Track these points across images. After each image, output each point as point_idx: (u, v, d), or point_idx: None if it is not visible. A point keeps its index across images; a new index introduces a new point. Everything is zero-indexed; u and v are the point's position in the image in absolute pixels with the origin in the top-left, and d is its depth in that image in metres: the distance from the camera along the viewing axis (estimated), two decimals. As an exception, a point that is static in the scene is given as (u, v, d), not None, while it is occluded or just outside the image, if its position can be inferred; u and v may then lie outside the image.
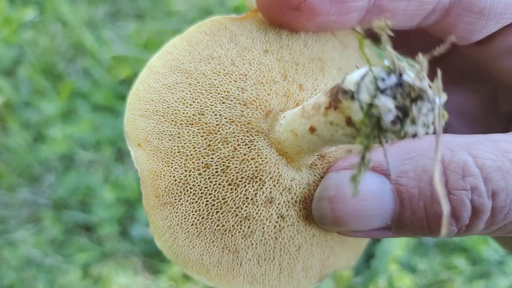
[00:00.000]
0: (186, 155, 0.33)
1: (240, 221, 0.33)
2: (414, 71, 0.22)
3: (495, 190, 0.27)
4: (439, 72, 0.22)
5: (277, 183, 0.33)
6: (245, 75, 0.34)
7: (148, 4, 1.93)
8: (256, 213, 0.33)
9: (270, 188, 0.33)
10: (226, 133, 0.33)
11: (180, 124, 0.33)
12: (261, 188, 0.33)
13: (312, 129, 0.28)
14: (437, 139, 0.22)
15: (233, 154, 0.33)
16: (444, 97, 0.23)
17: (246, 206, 0.33)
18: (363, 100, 0.22)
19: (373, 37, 0.25)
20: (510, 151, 0.28)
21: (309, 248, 0.36)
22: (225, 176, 0.33)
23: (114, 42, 1.75)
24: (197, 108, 0.33)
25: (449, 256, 1.37)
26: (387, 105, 0.21)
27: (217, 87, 0.33)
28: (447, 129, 0.45)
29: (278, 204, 0.34)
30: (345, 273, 1.27)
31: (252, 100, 0.33)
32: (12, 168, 1.45)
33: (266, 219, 0.34)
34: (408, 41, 0.42)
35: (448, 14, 0.33)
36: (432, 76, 0.22)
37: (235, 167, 0.33)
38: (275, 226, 0.34)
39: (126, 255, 1.32)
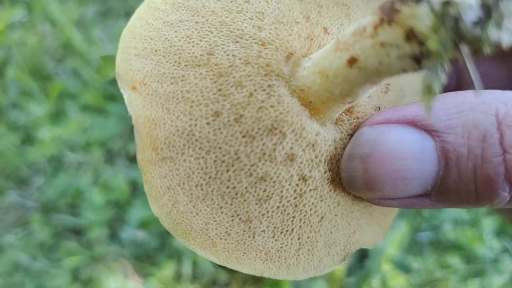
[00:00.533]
0: (192, 100, 0.27)
1: (255, 183, 0.28)
2: None
3: None
4: None
5: (299, 137, 0.28)
6: (262, 13, 0.29)
7: (139, 2, 1.91)
8: (274, 173, 0.28)
9: (292, 143, 0.28)
10: (241, 76, 0.28)
11: (185, 65, 0.28)
12: (281, 143, 0.27)
13: (352, 61, 0.23)
14: None
15: (248, 101, 0.27)
16: None
17: (262, 164, 0.28)
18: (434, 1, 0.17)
19: None
20: None
21: (333, 220, 0.31)
22: (239, 127, 0.27)
23: (104, 41, 1.72)
24: (205, 47, 0.28)
25: (444, 254, 1.35)
26: (468, 2, 0.17)
27: (229, 25, 0.29)
28: None
29: (300, 163, 0.28)
30: (337, 273, 1.26)
31: (271, 40, 0.28)
32: (-1, 171, 1.43)
33: (286, 180, 0.28)
34: None
35: None
36: None
37: (251, 116, 0.27)
38: (295, 190, 0.29)
39: (116, 258, 1.30)
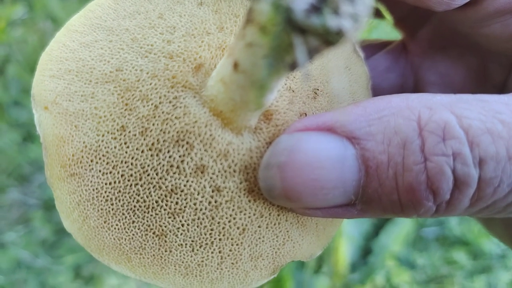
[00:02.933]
0: (100, 117, 0.28)
1: (165, 196, 0.28)
2: None
3: (484, 157, 0.22)
4: None
5: (209, 147, 0.27)
6: (174, 27, 0.29)
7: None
8: (185, 185, 0.27)
9: (201, 154, 0.27)
10: (147, 89, 0.28)
11: (95, 82, 0.28)
12: (189, 154, 0.27)
13: (235, 65, 0.22)
14: (355, 37, 0.17)
15: (153, 113, 0.27)
16: None
17: (171, 177, 0.27)
18: None
19: None
20: (503, 112, 0.22)
21: (257, 231, 0.30)
22: (144, 140, 0.27)
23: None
24: (115, 64, 0.29)
25: (449, 250, 1.33)
26: None
27: (140, 41, 0.29)
28: None
29: (212, 174, 0.27)
30: (341, 270, 1.24)
31: (180, 53, 0.29)
32: (1, 168, 1.44)
33: (198, 192, 0.28)
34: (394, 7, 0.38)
35: None
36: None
37: (156, 128, 0.27)
38: (210, 202, 0.28)
39: (117, 255, 1.30)
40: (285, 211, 0.31)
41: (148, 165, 0.27)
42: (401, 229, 1.33)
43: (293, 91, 0.30)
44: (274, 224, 0.30)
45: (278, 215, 0.30)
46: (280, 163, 0.25)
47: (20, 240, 1.32)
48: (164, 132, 0.27)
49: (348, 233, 1.31)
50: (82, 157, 0.28)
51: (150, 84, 0.28)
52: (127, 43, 0.29)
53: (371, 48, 0.39)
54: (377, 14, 0.39)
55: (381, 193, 0.23)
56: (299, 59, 0.17)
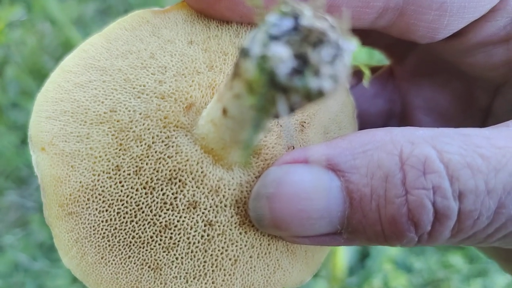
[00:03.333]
0: (95, 157, 0.29)
1: (160, 231, 0.29)
2: (312, 12, 0.18)
3: (463, 191, 0.23)
4: (345, 11, 0.18)
5: (200, 184, 0.29)
6: (165, 67, 0.31)
7: (138, 0, 1.90)
8: (178, 221, 0.29)
9: (193, 191, 0.29)
10: (140, 129, 0.29)
11: (90, 123, 0.29)
12: (181, 191, 0.29)
13: (224, 111, 0.24)
14: (337, 89, 0.18)
15: (147, 153, 0.29)
16: (352, 41, 0.18)
17: (164, 213, 0.29)
18: (254, 53, 0.18)
19: None
20: (483, 146, 0.23)
21: (248, 262, 0.31)
22: (138, 179, 0.29)
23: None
24: (109, 105, 0.30)
25: (446, 254, 1.34)
26: (279, 54, 0.17)
27: (133, 81, 0.30)
28: (413, 124, 0.41)
29: (204, 209, 0.29)
30: (339, 273, 1.25)
31: (171, 93, 0.30)
32: (-1, 171, 1.43)
33: (191, 227, 0.29)
34: (374, 37, 0.39)
35: (404, 13, 0.29)
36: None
37: (150, 168, 0.29)
38: (202, 236, 0.29)
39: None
40: (275, 240, 0.32)
41: (143, 203, 0.29)
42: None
43: (281, 125, 0.31)
44: (265, 254, 0.32)
45: (269, 245, 0.32)
46: (268, 194, 0.26)
47: (17, 243, 1.31)
48: (157, 171, 0.29)
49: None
50: (79, 196, 0.29)
51: (143, 124, 0.29)
52: (120, 84, 0.30)
53: (359, 74, 0.40)
54: (364, 41, 0.40)
55: (365, 224, 0.24)
56: (281, 113, 0.18)
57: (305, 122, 0.33)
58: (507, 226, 0.24)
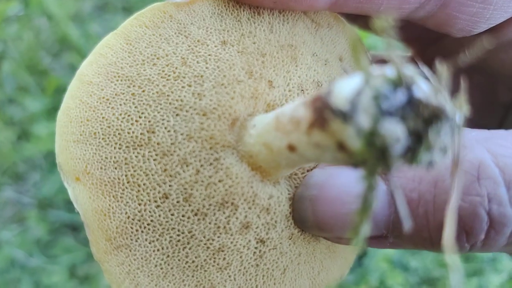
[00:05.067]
0: (138, 185, 0.27)
1: (213, 254, 0.28)
2: (428, 83, 0.16)
3: None
4: (462, 82, 0.17)
5: (252, 204, 0.28)
6: (201, 76, 0.27)
7: (137, -4, 1.89)
8: (231, 243, 0.28)
9: (245, 212, 0.28)
10: (185, 153, 0.27)
11: (127, 147, 0.27)
12: (234, 214, 0.27)
13: (291, 148, 0.22)
14: (456, 167, 0.17)
15: (196, 179, 0.27)
16: (466, 110, 0.17)
17: (218, 237, 0.28)
18: (362, 126, 0.16)
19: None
20: None
21: (296, 269, 0.31)
22: (189, 206, 0.27)
23: (101, 36, 1.71)
24: (145, 124, 0.27)
25: (442, 253, 1.35)
26: (395, 134, 0.16)
27: (168, 95, 0.27)
28: None
29: (256, 228, 0.28)
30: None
31: (213, 109, 0.27)
32: (-5, 166, 1.42)
33: (243, 246, 0.28)
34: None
35: (447, 4, 0.28)
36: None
37: (200, 194, 0.27)
38: (254, 253, 0.29)
39: (113, 255, 1.30)
40: (319, 244, 0.32)
41: (195, 230, 0.27)
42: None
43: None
44: (310, 259, 0.31)
45: (314, 250, 0.31)
46: (312, 197, 0.26)
47: (14, 239, 1.31)
48: (209, 197, 0.27)
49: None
50: (127, 228, 0.27)
51: (188, 147, 0.27)
52: (153, 98, 0.27)
53: (380, 63, 0.40)
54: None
55: (413, 230, 0.23)
56: (396, 197, 0.18)
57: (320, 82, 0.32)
58: None
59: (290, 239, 0.30)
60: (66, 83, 1.22)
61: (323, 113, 0.18)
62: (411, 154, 0.16)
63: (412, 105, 0.16)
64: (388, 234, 0.25)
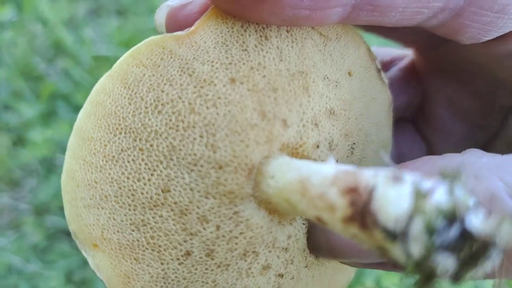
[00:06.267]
0: (159, 245, 0.26)
1: None
2: (480, 215, 0.16)
3: None
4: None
5: (272, 248, 0.28)
6: (213, 125, 0.25)
7: (130, 0, 1.89)
8: (253, 283, 0.28)
9: (266, 256, 0.28)
10: (204, 210, 0.25)
11: (142, 208, 0.25)
12: (255, 260, 0.28)
13: (320, 220, 0.22)
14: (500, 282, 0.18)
15: (217, 235, 0.26)
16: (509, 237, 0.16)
17: (240, 282, 0.28)
18: (413, 254, 0.17)
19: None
20: None
21: (310, 287, 0.32)
22: (212, 260, 0.27)
23: (95, 41, 1.71)
24: (158, 183, 0.25)
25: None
26: (444, 266, 0.16)
27: (179, 149, 0.25)
28: (435, 124, 0.41)
29: (276, 267, 0.29)
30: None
31: (229, 161, 0.25)
32: (-9, 173, 1.43)
33: (264, 283, 0.29)
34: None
35: (461, 14, 0.27)
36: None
37: (222, 249, 0.26)
38: (273, 286, 0.30)
39: (109, 260, 1.30)
40: (331, 262, 0.33)
41: (219, 279, 0.27)
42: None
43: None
44: (323, 277, 0.32)
45: (326, 269, 0.32)
46: (324, 227, 0.26)
47: (10, 245, 1.31)
48: (231, 250, 0.26)
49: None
50: (151, 287, 0.27)
51: (206, 204, 0.25)
52: (163, 153, 0.25)
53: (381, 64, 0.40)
54: (390, 35, 0.39)
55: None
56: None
57: (354, 143, 0.32)
58: None
59: (305, 267, 0.30)
60: (61, 89, 1.23)
61: (365, 216, 0.18)
62: (457, 276, 0.17)
63: (465, 238, 0.16)
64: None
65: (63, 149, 1.46)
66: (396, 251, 0.17)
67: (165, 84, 0.25)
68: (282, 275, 0.29)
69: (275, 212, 0.27)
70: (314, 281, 0.32)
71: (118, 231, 0.26)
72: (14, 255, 1.29)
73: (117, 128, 0.25)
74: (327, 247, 0.27)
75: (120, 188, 0.25)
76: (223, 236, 0.26)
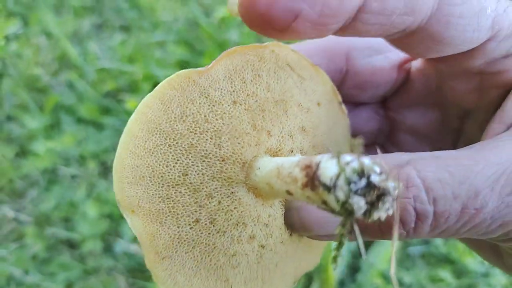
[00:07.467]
0: (177, 214, 0.36)
1: (229, 258, 0.38)
2: (380, 174, 0.27)
3: (436, 198, 0.31)
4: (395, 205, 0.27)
5: (257, 222, 0.38)
6: (219, 131, 0.36)
7: (134, 15, 1.92)
8: (241, 249, 0.38)
9: (252, 228, 0.38)
10: (210, 189, 0.36)
11: (167, 186, 0.35)
12: (244, 230, 0.38)
13: (289, 192, 0.32)
14: (395, 227, 0.28)
15: (218, 207, 0.36)
16: (398, 188, 0.27)
17: (233, 246, 0.38)
18: (339, 197, 0.27)
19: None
20: (451, 165, 0.31)
21: (284, 261, 0.42)
22: (214, 227, 0.37)
23: (99, 55, 1.73)
24: (180, 169, 0.36)
25: (435, 268, 1.36)
26: (359, 204, 0.26)
27: (196, 146, 0.36)
28: (402, 147, 0.52)
29: (259, 238, 0.39)
30: (330, 287, 1.26)
31: (229, 155, 0.36)
32: (-7, 184, 1.43)
33: (250, 251, 0.39)
34: None
35: (413, 35, 0.35)
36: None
37: (221, 218, 0.37)
38: (257, 255, 0.39)
39: (109, 272, 1.30)
40: (301, 243, 0.43)
41: (217, 242, 0.37)
42: (388, 248, 1.36)
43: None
44: (295, 254, 0.43)
45: (297, 247, 0.42)
46: (297, 207, 0.36)
47: (10, 256, 1.31)
48: (227, 220, 0.37)
49: (337, 251, 1.33)
50: (169, 244, 0.36)
51: (212, 185, 0.36)
52: (185, 148, 0.36)
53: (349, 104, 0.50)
54: None
55: (367, 224, 0.31)
56: (358, 237, 0.28)
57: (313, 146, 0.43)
58: (470, 221, 0.32)
59: (281, 242, 0.40)
60: (65, 101, 1.26)
61: (313, 180, 0.28)
62: (368, 213, 0.27)
63: (370, 187, 0.26)
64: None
65: (65, 161, 1.47)
66: (331, 199, 0.27)
67: (189, 103, 0.36)
68: (264, 246, 0.39)
69: (260, 196, 0.37)
70: (287, 256, 0.42)
71: (149, 202, 0.35)
72: (14, 266, 1.29)
73: (154, 131, 0.35)
74: (299, 222, 0.36)
75: (153, 171, 0.35)
76: (223, 209, 0.37)
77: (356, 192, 0.26)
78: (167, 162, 0.35)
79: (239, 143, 0.37)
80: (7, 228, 1.38)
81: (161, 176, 0.35)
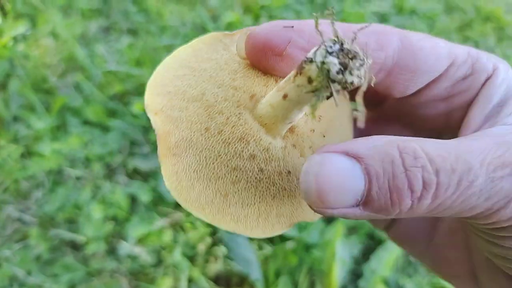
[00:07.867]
0: (191, 121, 0.42)
1: (230, 171, 0.42)
2: (351, 42, 0.32)
3: (438, 169, 0.34)
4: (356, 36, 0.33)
5: (258, 143, 0.42)
6: (236, 71, 0.45)
7: (142, 18, 1.94)
8: (242, 165, 0.42)
9: (253, 147, 0.42)
10: (222, 107, 0.43)
11: (187, 100, 0.43)
12: (246, 147, 0.42)
13: (284, 96, 0.37)
14: (361, 90, 0.31)
15: (226, 121, 0.42)
16: (370, 59, 0.33)
17: (235, 159, 0.42)
18: (318, 60, 0.32)
19: None
20: (448, 148, 0.35)
21: (282, 199, 0.44)
22: (221, 136, 0.42)
23: (106, 57, 1.75)
24: (200, 90, 0.44)
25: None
26: (333, 61, 0.31)
27: (215, 78, 0.44)
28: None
29: (259, 159, 0.42)
30: (333, 294, 1.27)
31: (241, 86, 0.44)
32: (-2, 184, 1.44)
33: (249, 170, 0.42)
34: None
35: (390, 74, 0.42)
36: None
37: (228, 130, 0.42)
38: (255, 178, 0.43)
39: (113, 274, 1.30)
40: (299, 190, 0.46)
41: (222, 152, 0.42)
42: (390, 254, 1.36)
43: (307, 115, 0.46)
44: (292, 196, 0.46)
45: (295, 191, 0.45)
46: (314, 172, 0.37)
47: (14, 257, 1.32)
48: (233, 133, 0.42)
49: (340, 257, 1.34)
50: (180, 144, 0.41)
51: (224, 104, 0.43)
52: (206, 78, 0.44)
53: None
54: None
55: (380, 194, 0.35)
56: (335, 98, 0.32)
57: (321, 116, 0.47)
58: (463, 194, 0.34)
59: (279, 175, 0.43)
60: (71, 103, 1.27)
61: (302, 64, 0.33)
62: (342, 74, 0.31)
63: (343, 50, 0.32)
64: (361, 201, 0.36)
65: (71, 162, 1.48)
66: (312, 68, 0.32)
67: (213, 52, 0.46)
68: (262, 170, 0.43)
69: (264, 126, 0.42)
70: (285, 193, 0.45)
71: (170, 109, 0.42)
72: (17, 266, 1.29)
73: (184, 65, 0.44)
74: (315, 188, 0.36)
75: (178, 89, 0.43)
76: (230, 123, 0.42)
77: (331, 54, 0.31)
78: (190, 85, 0.43)
79: (250, 81, 0.44)
80: (11, 228, 1.38)
81: (184, 93, 0.43)
